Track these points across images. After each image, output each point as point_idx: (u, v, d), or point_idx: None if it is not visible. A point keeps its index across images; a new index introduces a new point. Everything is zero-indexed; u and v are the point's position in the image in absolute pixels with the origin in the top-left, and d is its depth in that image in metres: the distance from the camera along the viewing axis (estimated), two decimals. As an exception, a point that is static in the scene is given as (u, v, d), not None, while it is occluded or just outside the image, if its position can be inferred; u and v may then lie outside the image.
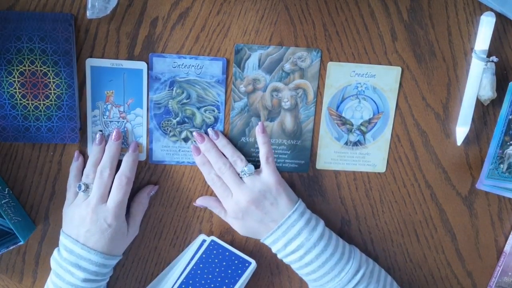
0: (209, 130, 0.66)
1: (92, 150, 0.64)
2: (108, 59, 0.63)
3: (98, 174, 0.62)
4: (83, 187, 0.62)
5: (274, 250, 0.63)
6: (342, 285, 0.61)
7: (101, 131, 0.65)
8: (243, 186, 0.62)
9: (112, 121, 0.65)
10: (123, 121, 0.65)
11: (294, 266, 0.63)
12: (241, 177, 0.63)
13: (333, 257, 0.61)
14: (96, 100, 0.64)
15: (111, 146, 0.63)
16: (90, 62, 0.63)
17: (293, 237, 0.61)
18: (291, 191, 0.64)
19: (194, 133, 0.65)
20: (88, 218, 0.60)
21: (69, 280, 0.60)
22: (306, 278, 0.64)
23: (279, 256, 0.64)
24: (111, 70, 0.64)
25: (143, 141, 0.66)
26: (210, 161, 0.64)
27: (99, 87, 0.64)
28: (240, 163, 0.63)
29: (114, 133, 0.64)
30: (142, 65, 0.64)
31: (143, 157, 0.67)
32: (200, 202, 0.67)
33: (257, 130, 0.64)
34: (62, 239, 0.62)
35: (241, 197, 0.62)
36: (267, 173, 0.63)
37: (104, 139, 0.64)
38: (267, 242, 0.63)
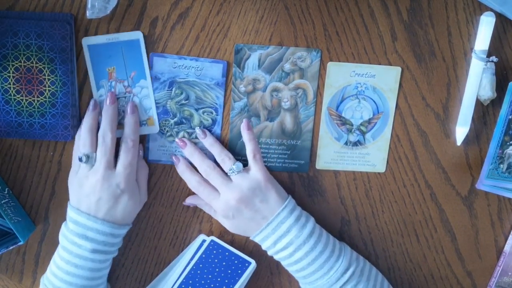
0: (197, 129, 0.65)
1: (86, 116, 0.62)
2: (104, 35, 0.63)
3: (101, 140, 0.61)
4: (84, 158, 0.60)
5: (264, 247, 0.63)
6: (332, 282, 0.61)
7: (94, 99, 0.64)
8: (231, 184, 0.62)
9: (119, 97, 0.64)
10: (130, 95, 0.65)
11: (284, 263, 0.63)
12: (228, 176, 0.63)
13: (323, 254, 0.61)
14: (99, 79, 0.64)
15: (108, 110, 0.62)
16: (87, 41, 0.63)
17: (282, 234, 0.61)
18: (281, 188, 0.64)
19: (176, 140, 0.65)
20: (98, 186, 0.60)
21: (76, 252, 0.60)
22: (296, 275, 0.64)
23: (269, 253, 0.63)
24: (108, 45, 0.63)
25: (153, 113, 0.66)
26: (195, 164, 0.64)
27: (100, 65, 0.63)
28: (228, 161, 0.63)
29: (108, 97, 0.63)
30: (138, 35, 0.63)
31: (155, 130, 0.66)
32: (190, 200, 0.67)
33: (243, 127, 0.64)
34: (69, 211, 0.62)
35: (230, 196, 0.61)
36: (255, 170, 0.62)
37: (98, 105, 0.63)
38: (257, 239, 0.63)
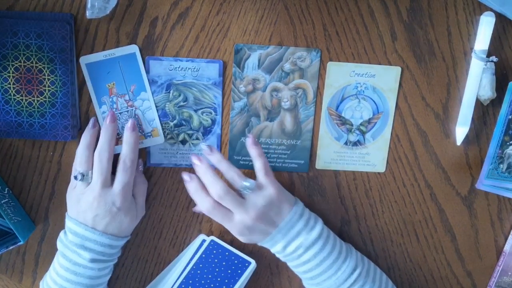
0: (202, 145, 0.64)
1: (84, 134, 0.62)
2: (100, 52, 0.63)
3: (97, 158, 0.60)
4: (79, 177, 0.60)
5: (273, 251, 0.63)
6: (339, 283, 0.61)
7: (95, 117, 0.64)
8: (246, 204, 0.60)
9: (122, 112, 0.65)
10: (132, 109, 0.65)
11: (291, 264, 0.64)
12: (240, 195, 0.61)
13: (331, 255, 0.61)
14: (101, 96, 0.64)
15: (108, 129, 0.61)
16: (85, 60, 0.63)
17: (292, 238, 0.61)
18: (288, 193, 0.64)
19: (191, 157, 0.63)
20: (95, 203, 0.60)
21: (76, 260, 0.60)
22: (303, 276, 0.64)
23: (277, 255, 0.64)
24: (105, 62, 0.63)
25: (157, 124, 0.66)
26: (206, 183, 0.62)
27: (100, 82, 0.64)
28: (238, 179, 0.61)
29: (108, 116, 0.62)
30: (133, 48, 0.63)
31: (160, 140, 0.66)
32: (199, 209, 0.65)
33: (249, 143, 0.63)
34: (67, 221, 0.62)
35: (246, 216, 0.60)
36: (268, 185, 0.61)
37: (98, 124, 0.64)
38: (266, 245, 0.63)
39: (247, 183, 0.60)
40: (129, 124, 0.62)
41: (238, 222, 0.61)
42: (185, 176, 0.64)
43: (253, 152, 0.63)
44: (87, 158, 0.61)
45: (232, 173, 0.62)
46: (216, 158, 0.63)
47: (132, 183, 0.62)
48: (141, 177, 0.65)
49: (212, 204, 0.61)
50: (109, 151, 0.61)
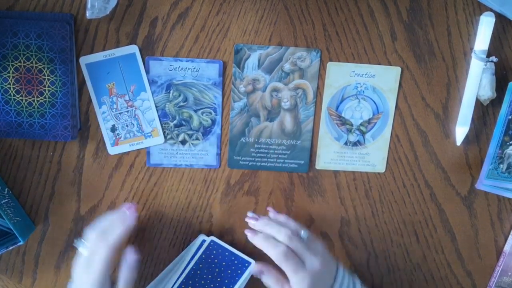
0: (250, 214, 0.64)
1: (110, 218, 0.60)
2: (100, 52, 0.63)
3: (97, 237, 0.58)
4: (81, 245, 0.59)
5: None
6: None
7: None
8: (312, 251, 0.59)
9: (122, 112, 0.65)
10: (132, 109, 0.65)
11: None
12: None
13: None
14: (101, 96, 0.64)
15: (124, 224, 0.59)
16: (84, 60, 0.63)
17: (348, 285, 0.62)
18: None
19: (248, 220, 0.64)
20: (78, 279, 0.58)
21: None
22: None
23: None
24: (105, 62, 0.64)
25: (157, 124, 0.66)
26: (272, 232, 0.60)
27: (99, 82, 0.64)
28: (295, 230, 0.61)
29: (130, 209, 0.62)
30: (133, 49, 0.64)
31: (160, 140, 0.66)
32: (260, 269, 0.63)
33: (272, 216, 0.64)
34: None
35: (316, 261, 0.59)
36: (315, 238, 0.62)
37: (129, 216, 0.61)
38: None
39: (305, 232, 0.61)
40: (129, 209, 0.62)
41: (310, 268, 0.58)
42: (249, 232, 0.62)
43: (282, 218, 0.63)
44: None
45: (290, 226, 0.62)
46: (264, 222, 0.63)
47: (107, 275, 0.58)
48: (129, 270, 0.61)
49: (287, 249, 0.58)
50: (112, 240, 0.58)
